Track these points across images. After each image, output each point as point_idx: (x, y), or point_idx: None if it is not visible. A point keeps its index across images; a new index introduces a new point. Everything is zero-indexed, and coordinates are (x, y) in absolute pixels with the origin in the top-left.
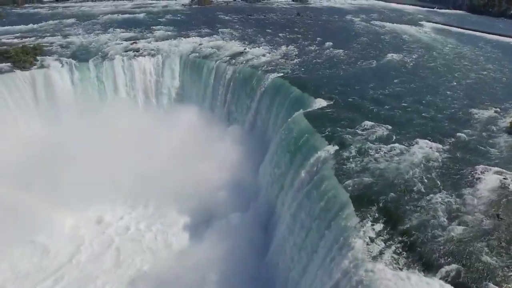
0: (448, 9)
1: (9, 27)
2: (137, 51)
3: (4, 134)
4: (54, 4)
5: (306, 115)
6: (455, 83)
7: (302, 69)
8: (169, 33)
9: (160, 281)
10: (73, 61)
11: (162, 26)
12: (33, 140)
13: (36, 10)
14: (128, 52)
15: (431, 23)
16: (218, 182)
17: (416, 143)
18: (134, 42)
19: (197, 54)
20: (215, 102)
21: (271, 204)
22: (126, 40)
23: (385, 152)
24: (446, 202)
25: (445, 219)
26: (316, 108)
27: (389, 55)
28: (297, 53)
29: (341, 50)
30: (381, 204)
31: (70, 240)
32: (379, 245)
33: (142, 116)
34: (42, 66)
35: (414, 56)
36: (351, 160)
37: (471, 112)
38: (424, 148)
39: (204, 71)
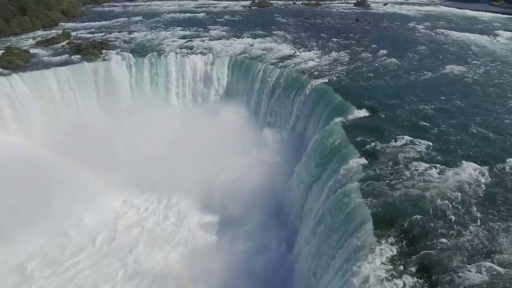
0: None
1: (87, 23)
2: (190, 49)
3: (68, 115)
4: (127, 3)
5: (343, 124)
6: None
7: (349, 76)
8: (223, 33)
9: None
10: (131, 56)
11: (219, 26)
12: (90, 122)
13: (110, 8)
14: (183, 49)
15: (510, 32)
16: (250, 186)
17: (457, 165)
18: (189, 40)
19: (247, 55)
20: (259, 103)
21: (296, 213)
22: (182, 38)
23: (420, 171)
24: (478, 237)
25: (472, 256)
26: (355, 117)
27: (448, 67)
28: (347, 59)
29: (395, 59)
30: (403, 228)
31: (107, 224)
32: (391, 270)
33: (187, 112)
34: (104, 59)
35: (478, 70)
36: (381, 175)
37: None
38: (465, 173)
39: (251, 72)
